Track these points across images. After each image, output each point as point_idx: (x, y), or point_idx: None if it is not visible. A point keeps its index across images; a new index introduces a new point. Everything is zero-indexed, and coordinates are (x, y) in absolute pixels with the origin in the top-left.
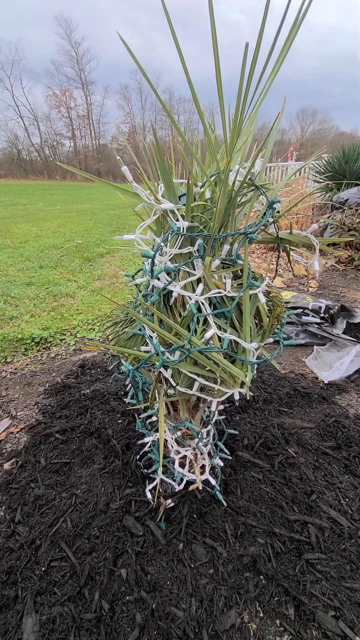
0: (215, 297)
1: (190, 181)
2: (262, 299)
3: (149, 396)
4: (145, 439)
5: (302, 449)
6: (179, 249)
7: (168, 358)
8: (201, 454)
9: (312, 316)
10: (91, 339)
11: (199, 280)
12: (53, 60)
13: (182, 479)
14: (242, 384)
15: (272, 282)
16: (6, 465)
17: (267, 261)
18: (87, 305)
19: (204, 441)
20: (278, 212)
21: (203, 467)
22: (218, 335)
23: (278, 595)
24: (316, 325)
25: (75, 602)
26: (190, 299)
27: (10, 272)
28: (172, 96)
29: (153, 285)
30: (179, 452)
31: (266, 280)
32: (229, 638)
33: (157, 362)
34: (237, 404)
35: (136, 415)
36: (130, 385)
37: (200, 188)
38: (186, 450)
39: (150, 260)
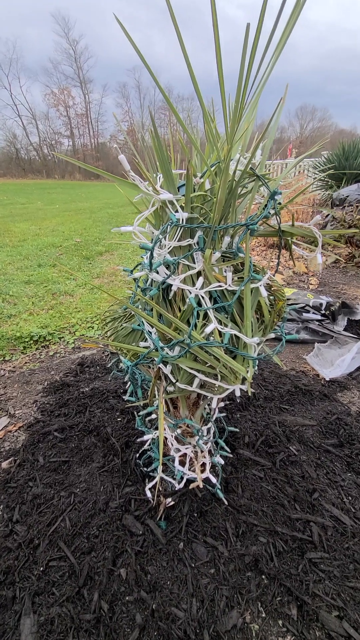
0: (215, 290)
1: (189, 171)
2: (264, 292)
3: (149, 393)
4: (145, 437)
5: (304, 446)
6: (178, 241)
7: (167, 353)
8: (201, 451)
9: (313, 313)
10: (90, 337)
11: (199, 274)
12: (51, 58)
13: (182, 478)
14: (243, 380)
15: (273, 275)
16: (4, 464)
17: (267, 258)
18: (86, 304)
19: (205, 439)
20: (279, 203)
21: (203, 465)
22: (219, 330)
23: (280, 595)
24: (317, 322)
25: (74, 602)
26: (190, 292)
27: (9, 270)
28: (170, 94)
29: (152, 279)
30: (179, 450)
31: (268, 273)
32: (231, 639)
33: (156, 358)
34: (238, 401)
35: (135, 412)
36: (129, 382)
37: (200, 178)
38: (186, 448)
39: (148, 252)
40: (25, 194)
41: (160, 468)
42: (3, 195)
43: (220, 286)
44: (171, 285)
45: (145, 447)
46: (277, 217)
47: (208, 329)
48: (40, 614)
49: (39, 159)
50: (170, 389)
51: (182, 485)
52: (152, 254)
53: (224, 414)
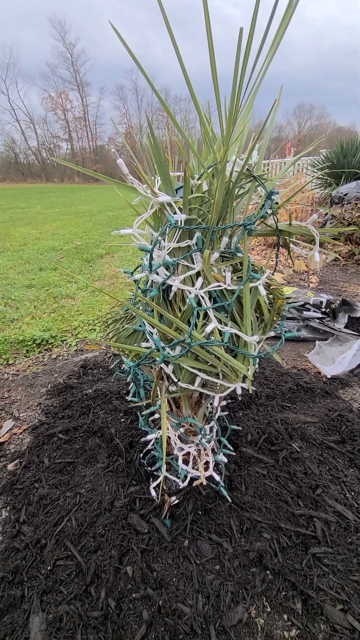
0: (215, 290)
1: (187, 173)
2: (263, 291)
3: (151, 393)
4: (149, 437)
5: (306, 443)
6: (177, 242)
7: (169, 353)
8: (204, 450)
9: (314, 311)
10: (92, 339)
11: (198, 274)
12: (48, 62)
13: (186, 476)
14: (244, 378)
15: (272, 274)
16: (10, 466)
17: (267, 258)
18: (88, 306)
19: (207, 437)
20: (277, 203)
21: (207, 463)
22: (219, 329)
23: (285, 590)
24: (318, 320)
25: (82, 600)
26: (190, 293)
27: (10, 275)
28: (168, 95)
29: (152, 280)
30: (182, 449)
31: (266, 272)
32: (237, 633)
33: (157, 358)
34: (240, 400)
35: (139, 413)
36: (132, 383)
37: (198, 180)
38: (189, 447)
39: (148, 254)
40: (25, 198)
41: (164, 467)
42: (3, 200)
43: (219, 286)
44: (171, 286)
45: (149, 446)
46: (274, 217)
47: (208, 328)
48: (48, 612)
49: (37, 163)
50: (173, 388)
51: (186, 483)
52: (151, 256)
53: (226, 413)
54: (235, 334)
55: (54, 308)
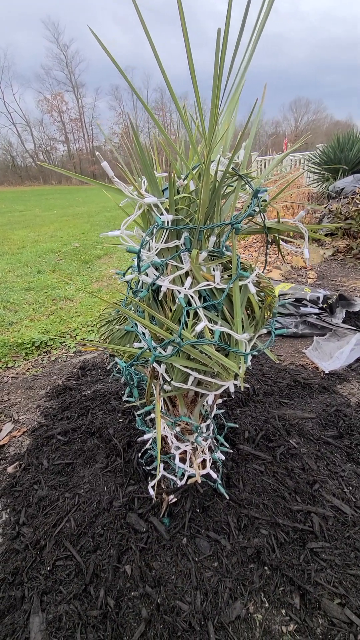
0: (205, 289)
1: (172, 174)
2: (252, 289)
3: (146, 393)
4: (146, 436)
5: (304, 439)
6: (165, 243)
7: (160, 353)
8: (200, 448)
9: (311, 307)
10: (91, 340)
11: (187, 274)
12: (42, 64)
13: (183, 475)
14: (236, 376)
15: (262, 272)
16: (10, 469)
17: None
18: (86, 308)
19: (204, 435)
20: (264, 200)
21: (204, 461)
22: (209, 328)
23: (283, 585)
24: (315, 316)
25: (81, 599)
26: (180, 292)
27: (9, 278)
28: (163, 94)
29: (142, 281)
30: (179, 448)
31: (256, 270)
32: (235, 629)
33: (149, 358)
34: (237, 397)
35: (136, 413)
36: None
37: (183, 180)
38: (186, 446)
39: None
40: (23, 201)
41: (160, 466)
42: (1, 204)
43: (208, 285)
44: (161, 286)
45: (147, 446)
46: (262, 215)
47: (198, 328)
48: (48, 612)
49: (35, 165)
50: (167, 387)
51: (183, 482)
52: (139, 257)
53: (223, 410)
54: (226, 332)
55: (53, 310)
